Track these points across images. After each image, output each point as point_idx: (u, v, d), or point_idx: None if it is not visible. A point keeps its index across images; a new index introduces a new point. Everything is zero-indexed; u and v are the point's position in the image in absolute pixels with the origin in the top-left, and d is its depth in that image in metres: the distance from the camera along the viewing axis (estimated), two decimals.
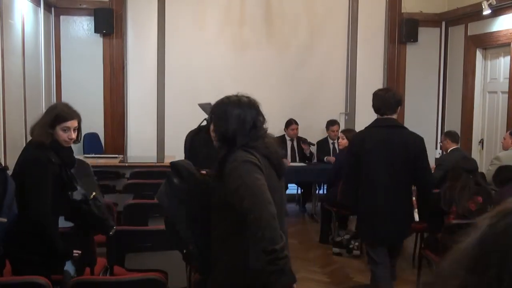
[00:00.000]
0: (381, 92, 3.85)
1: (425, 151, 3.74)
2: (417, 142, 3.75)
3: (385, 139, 3.68)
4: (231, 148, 2.19)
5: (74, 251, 2.97)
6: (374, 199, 3.66)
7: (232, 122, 2.21)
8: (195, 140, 3.73)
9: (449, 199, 3.92)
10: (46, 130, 2.82)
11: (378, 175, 3.63)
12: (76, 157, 3.17)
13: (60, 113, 2.87)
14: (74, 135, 2.90)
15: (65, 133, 2.86)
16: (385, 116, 3.74)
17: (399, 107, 3.80)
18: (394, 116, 3.78)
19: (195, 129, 3.96)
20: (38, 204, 2.79)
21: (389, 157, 3.61)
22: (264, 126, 2.45)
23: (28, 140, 3.14)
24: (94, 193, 3.04)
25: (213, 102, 2.48)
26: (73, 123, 2.89)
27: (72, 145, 3.02)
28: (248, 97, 2.37)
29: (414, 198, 3.91)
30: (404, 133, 3.78)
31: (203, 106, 4.29)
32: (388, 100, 3.72)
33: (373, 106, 3.84)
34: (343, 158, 4.34)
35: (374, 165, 3.65)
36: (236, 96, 2.33)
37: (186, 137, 3.96)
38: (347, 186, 3.93)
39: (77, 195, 2.90)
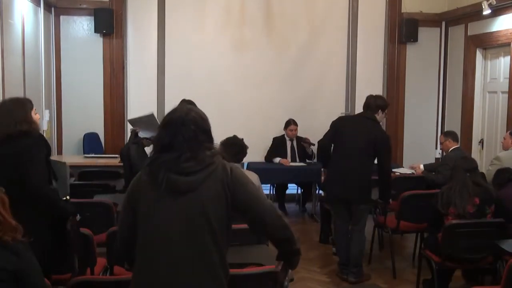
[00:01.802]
0: (368, 96, 4.81)
1: (387, 143, 4.61)
2: (379, 133, 4.65)
3: (356, 122, 4.76)
4: None
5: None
6: (338, 163, 4.66)
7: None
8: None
9: (447, 200, 3.90)
10: (28, 120, 2.94)
11: (345, 147, 4.63)
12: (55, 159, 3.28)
13: (25, 101, 3.05)
14: None
15: (37, 115, 3.11)
16: (365, 111, 4.75)
17: (379, 110, 4.71)
18: (375, 116, 4.71)
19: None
20: (39, 176, 2.87)
21: (354, 136, 4.59)
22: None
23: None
24: (67, 197, 3.17)
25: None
26: None
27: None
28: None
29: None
30: (372, 124, 4.65)
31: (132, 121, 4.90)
32: (370, 103, 4.72)
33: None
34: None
35: (344, 139, 4.65)
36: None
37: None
38: (322, 151, 4.95)
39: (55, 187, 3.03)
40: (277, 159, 6.91)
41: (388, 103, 4.90)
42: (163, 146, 2.10)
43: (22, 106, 3.00)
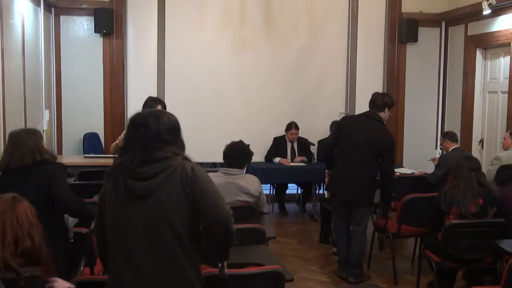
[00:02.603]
0: (375, 94, 4.74)
1: (391, 147, 4.58)
2: (385, 137, 4.55)
3: (361, 124, 4.63)
4: None
5: None
6: (342, 165, 4.63)
7: None
8: None
9: (450, 199, 3.89)
10: (45, 148, 3.25)
11: (349, 148, 4.56)
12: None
13: (36, 131, 3.34)
14: None
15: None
16: (371, 110, 4.65)
17: (386, 108, 4.62)
18: (381, 113, 4.61)
19: None
20: (69, 196, 3.15)
21: (359, 137, 4.51)
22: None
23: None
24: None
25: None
26: None
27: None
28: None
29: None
30: (377, 124, 4.58)
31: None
32: (376, 100, 4.64)
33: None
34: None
35: (348, 139, 4.58)
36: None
37: None
38: (326, 151, 5.00)
39: None
40: (277, 159, 6.92)
41: (394, 101, 4.84)
42: (121, 150, 2.16)
43: (37, 136, 3.26)
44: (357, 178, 4.53)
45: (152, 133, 2.10)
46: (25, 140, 3.12)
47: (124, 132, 4.83)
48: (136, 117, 2.17)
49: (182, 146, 2.24)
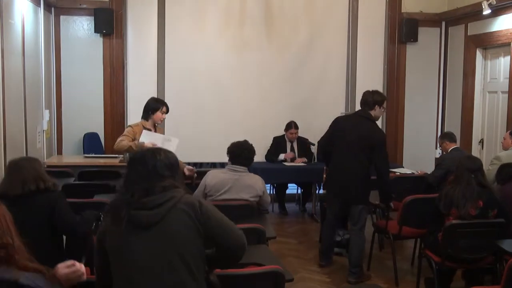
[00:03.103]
0: (365, 93, 4.79)
1: (382, 145, 4.59)
2: (376, 135, 4.62)
3: (353, 123, 4.72)
4: None
5: None
6: (337, 164, 4.76)
7: None
8: None
9: (449, 201, 3.86)
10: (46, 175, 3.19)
11: (342, 146, 4.68)
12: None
13: (37, 160, 3.30)
14: None
15: None
16: (363, 109, 4.73)
17: (376, 105, 4.66)
18: (372, 112, 4.66)
19: None
20: (73, 218, 3.16)
21: (351, 136, 4.61)
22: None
23: (25, 159, 3.48)
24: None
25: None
26: None
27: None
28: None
29: None
30: (368, 123, 4.64)
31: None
32: (367, 99, 4.70)
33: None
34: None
35: (341, 138, 4.69)
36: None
37: None
38: (320, 151, 5.19)
39: None
40: (281, 155, 6.93)
41: (385, 97, 4.86)
42: (121, 187, 2.18)
43: (38, 163, 3.22)
44: (352, 177, 4.61)
45: (149, 168, 2.16)
46: (26, 167, 3.08)
47: (127, 129, 4.83)
48: (133, 156, 2.28)
49: (181, 182, 2.27)
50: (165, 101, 7.21)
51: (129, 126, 4.96)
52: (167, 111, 5.00)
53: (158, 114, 4.90)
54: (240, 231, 2.23)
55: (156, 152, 2.24)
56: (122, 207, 2.08)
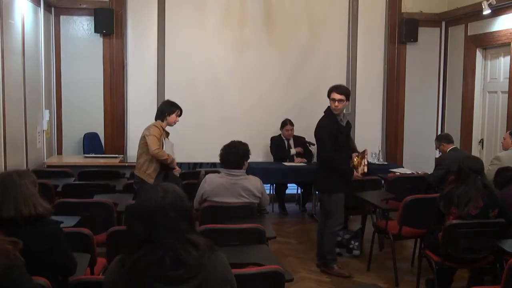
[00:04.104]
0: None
1: (317, 133, 4.93)
2: (316, 126, 4.97)
3: None
4: None
5: None
6: None
7: None
8: None
9: (450, 201, 3.84)
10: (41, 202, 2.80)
11: None
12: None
13: (33, 175, 2.87)
14: None
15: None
16: None
17: (329, 99, 4.94)
18: (330, 104, 4.96)
19: None
20: (71, 260, 2.85)
21: None
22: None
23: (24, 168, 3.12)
24: None
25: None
26: None
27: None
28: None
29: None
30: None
31: None
32: None
33: None
34: None
35: None
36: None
37: None
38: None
39: None
40: (293, 150, 7.04)
41: (330, 89, 4.96)
42: (138, 242, 1.78)
43: (30, 180, 2.80)
44: (317, 167, 5.06)
45: (179, 217, 1.82)
46: (18, 186, 2.70)
47: (156, 130, 4.76)
48: (157, 199, 1.83)
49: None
50: None
51: (155, 126, 4.87)
52: (181, 115, 5.03)
53: (173, 116, 4.95)
54: None
55: (170, 190, 1.87)
56: (145, 279, 1.73)
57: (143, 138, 4.87)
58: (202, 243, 1.83)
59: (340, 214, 4.83)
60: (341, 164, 4.75)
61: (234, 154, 4.15)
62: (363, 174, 4.89)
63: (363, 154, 4.96)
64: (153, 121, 4.97)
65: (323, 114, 4.98)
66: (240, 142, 4.24)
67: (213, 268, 1.82)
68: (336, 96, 4.83)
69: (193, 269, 1.77)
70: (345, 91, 4.89)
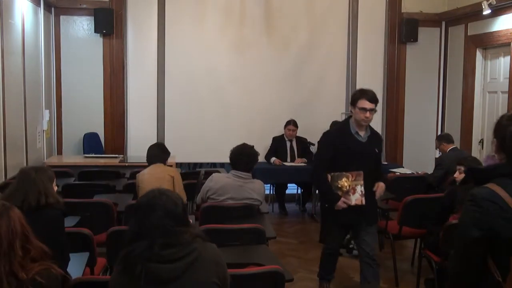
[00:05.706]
0: None
1: (320, 138, 4.53)
2: None
3: None
4: None
5: None
6: None
7: None
8: None
9: (454, 199, 3.85)
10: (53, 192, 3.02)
11: None
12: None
13: (51, 171, 3.09)
14: None
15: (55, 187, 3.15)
16: None
17: (351, 105, 3.91)
18: (351, 112, 3.92)
19: None
20: (67, 246, 2.98)
21: None
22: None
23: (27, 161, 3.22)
24: None
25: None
26: None
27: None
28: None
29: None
30: None
31: None
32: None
33: None
34: None
35: None
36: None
37: None
38: None
39: None
40: (272, 159, 6.92)
41: (353, 96, 3.91)
42: (133, 235, 1.96)
43: (46, 175, 3.00)
44: None
45: (167, 215, 1.97)
46: (32, 180, 2.89)
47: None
48: (148, 199, 2.02)
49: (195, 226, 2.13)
50: (165, 101, 7.28)
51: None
52: None
53: None
54: None
55: (167, 194, 2.03)
56: (138, 261, 1.89)
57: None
58: (193, 231, 2.01)
59: (333, 239, 4.28)
60: (321, 186, 3.88)
61: (246, 156, 4.16)
62: (357, 205, 3.76)
63: (356, 177, 3.76)
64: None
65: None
66: (251, 147, 4.26)
67: (204, 250, 1.98)
68: (367, 105, 3.71)
69: (184, 249, 1.92)
70: (376, 98, 3.79)
